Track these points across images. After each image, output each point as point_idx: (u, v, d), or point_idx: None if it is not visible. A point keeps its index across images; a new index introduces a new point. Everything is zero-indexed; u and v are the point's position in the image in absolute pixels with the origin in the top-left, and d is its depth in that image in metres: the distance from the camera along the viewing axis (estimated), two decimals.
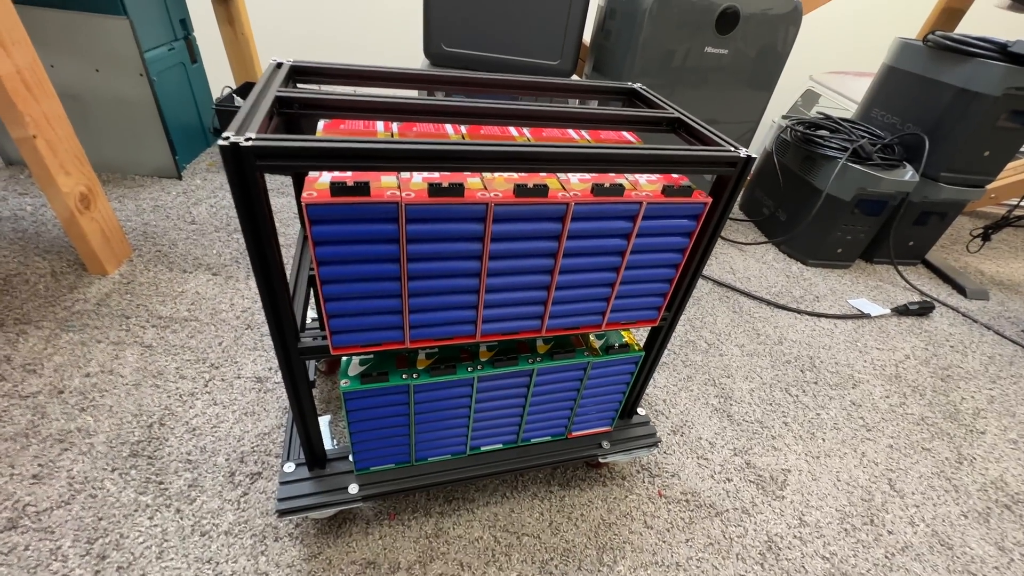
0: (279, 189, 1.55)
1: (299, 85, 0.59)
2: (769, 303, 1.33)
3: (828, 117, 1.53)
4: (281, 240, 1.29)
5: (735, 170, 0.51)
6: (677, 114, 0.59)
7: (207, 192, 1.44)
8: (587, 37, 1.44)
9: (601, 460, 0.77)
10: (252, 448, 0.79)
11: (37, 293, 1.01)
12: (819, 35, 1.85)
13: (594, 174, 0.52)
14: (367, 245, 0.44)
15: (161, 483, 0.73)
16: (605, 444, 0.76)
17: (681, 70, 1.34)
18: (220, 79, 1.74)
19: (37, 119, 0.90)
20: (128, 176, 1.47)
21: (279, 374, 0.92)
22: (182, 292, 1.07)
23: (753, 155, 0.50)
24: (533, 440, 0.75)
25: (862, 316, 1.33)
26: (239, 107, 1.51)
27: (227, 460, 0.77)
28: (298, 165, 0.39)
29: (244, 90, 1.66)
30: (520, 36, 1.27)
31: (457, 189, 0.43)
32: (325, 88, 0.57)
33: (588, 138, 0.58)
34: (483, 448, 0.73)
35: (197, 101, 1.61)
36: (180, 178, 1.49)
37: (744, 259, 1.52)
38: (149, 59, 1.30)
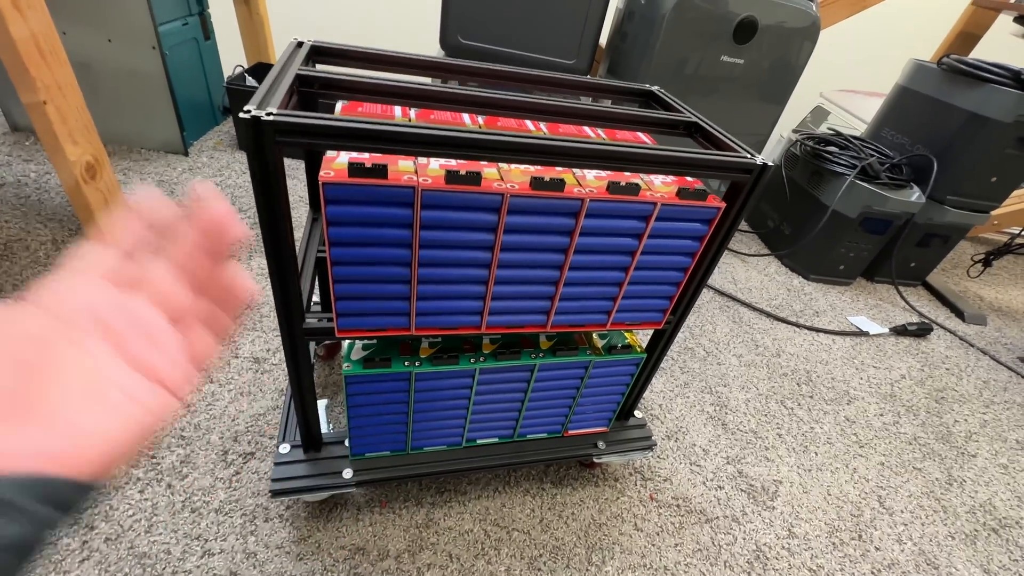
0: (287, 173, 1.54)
1: (318, 66, 0.58)
2: (769, 315, 1.33)
3: (838, 134, 1.54)
4: None
5: (751, 177, 0.51)
6: (694, 118, 0.59)
7: (213, 170, 1.44)
8: (603, 39, 1.43)
9: (596, 460, 0.77)
10: (246, 428, 0.79)
11: (37, 260, 1.01)
12: (831, 52, 1.85)
13: (610, 172, 0.52)
14: (381, 228, 0.44)
15: (153, 457, 0.73)
16: (601, 444, 0.76)
17: (695, 78, 1.34)
18: (232, 58, 1.73)
19: (48, 85, 0.89)
20: (135, 149, 1.46)
21: (276, 356, 0.92)
22: None
23: (770, 163, 0.50)
24: (529, 436, 0.75)
25: (860, 333, 1.34)
26: (251, 86, 1.51)
27: (221, 439, 0.77)
28: (318, 143, 0.39)
29: (256, 70, 1.65)
30: (537, 33, 1.26)
31: (474, 178, 0.43)
32: (345, 70, 0.56)
33: (604, 136, 0.58)
34: (479, 441, 0.72)
35: (208, 78, 1.59)
36: (187, 155, 1.48)
37: (746, 270, 1.52)
38: (163, 32, 1.29)
